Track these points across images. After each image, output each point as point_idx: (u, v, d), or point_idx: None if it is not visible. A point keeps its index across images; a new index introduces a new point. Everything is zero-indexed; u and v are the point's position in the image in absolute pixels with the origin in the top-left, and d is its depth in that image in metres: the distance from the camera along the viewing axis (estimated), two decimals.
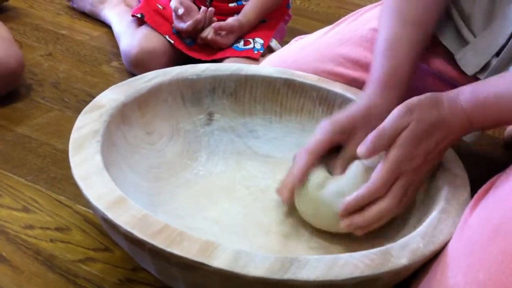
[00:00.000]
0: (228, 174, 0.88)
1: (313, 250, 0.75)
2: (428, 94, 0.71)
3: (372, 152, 0.69)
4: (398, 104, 0.73)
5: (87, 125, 0.73)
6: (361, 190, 0.69)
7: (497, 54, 0.78)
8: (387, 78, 0.79)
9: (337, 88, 0.91)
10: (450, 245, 0.62)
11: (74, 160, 0.68)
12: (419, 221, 0.70)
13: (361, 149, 0.70)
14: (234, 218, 0.80)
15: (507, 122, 0.73)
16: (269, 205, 0.83)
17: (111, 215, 0.60)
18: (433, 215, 0.68)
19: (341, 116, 0.77)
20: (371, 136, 0.69)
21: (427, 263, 0.63)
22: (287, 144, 0.93)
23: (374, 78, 0.80)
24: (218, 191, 0.84)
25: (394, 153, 0.68)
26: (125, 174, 0.77)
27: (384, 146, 0.69)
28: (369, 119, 0.76)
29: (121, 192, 0.64)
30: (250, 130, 0.93)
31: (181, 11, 1.30)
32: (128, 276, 0.78)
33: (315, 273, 0.57)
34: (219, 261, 0.57)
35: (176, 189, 0.83)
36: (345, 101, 0.90)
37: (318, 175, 0.75)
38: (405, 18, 0.81)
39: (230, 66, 0.93)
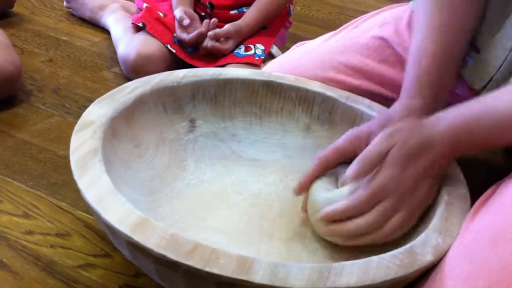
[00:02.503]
0: (218, 180, 0.87)
1: (319, 252, 0.75)
2: (411, 118, 0.71)
3: (357, 175, 0.69)
4: (422, 112, 0.74)
5: (84, 144, 0.72)
6: (341, 203, 0.69)
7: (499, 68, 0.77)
8: (405, 87, 0.78)
9: (316, 87, 0.92)
10: (450, 253, 0.62)
11: (82, 183, 0.66)
12: (426, 216, 0.71)
13: (347, 172, 0.70)
14: (237, 226, 0.79)
15: (496, 142, 0.68)
16: (266, 209, 0.83)
17: (139, 238, 0.59)
18: (441, 208, 0.69)
19: (360, 126, 0.77)
20: (355, 160, 0.70)
21: (426, 271, 0.63)
22: (270, 145, 0.93)
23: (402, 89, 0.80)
24: (213, 199, 0.84)
25: (381, 174, 0.68)
26: (122, 191, 0.75)
27: (368, 168, 0.69)
28: (386, 126, 0.75)
29: (140, 212, 0.62)
30: (231, 134, 0.93)
31: (186, 22, 1.31)
32: (128, 282, 0.78)
33: (353, 278, 0.58)
34: (259, 276, 0.56)
35: (173, 201, 0.82)
36: (325, 99, 0.90)
37: (322, 182, 0.76)
38: (432, 24, 0.79)
39: (208, 71, 0.92)
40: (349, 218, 0.69)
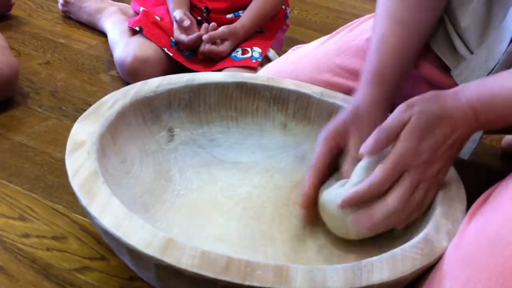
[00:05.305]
0: (206, 188, 0.87)
1: (324, 249, 0.76)
2: (430, 91, 0.70)
3: (375, 149, 0.68)
4: (385, 100, 0.76)
5: (83, 167, 0.70)
6: (362, 184, 0.68)
7: (492, 70, 0.78)
8: (370, 75, 0.79)
9: (289, 85, 0.92)
10: (447, 256, 0.62)
11: (94, 209, 0.64)
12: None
13: (363, 148, 0.69)
14: (237, 232, 0.79)
15: None
16: (260, 211, 0.83)
17: (171, 260, 0.58)
18: (441, 196, 0.70)
19: (333, 121, 0.77)
20: (373, 133, 0.69)
21: (423, 274, 0.63)
22: (249, 147, 0.93)
23: (361, 78, 0.81)
24: (206, 208, 0.83)
25: (397, 147, 0.67)
26: None
27: (386, 141, 0.68)
28: (359, 117, 0.76)
29: (163, 233, 0.61)
30: (210, 139, 0.93)
31: (187, 22, 1.31)
32: (124, 285, 0.78)
33: (385, 273, 0.59)
34: (299, 282, 0.57)
35: (167, 214, 0.81)
36: (299, 97, 0.91)
37: (327, 186, 0.76)
38: (393, 18, 0.81)
39: (182, 77, 0.91)
40: (368, 201, 0.68)
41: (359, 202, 0.68)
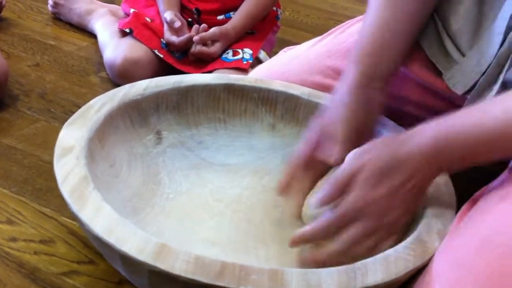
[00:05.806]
0: (196, 191, 0.86)
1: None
2: (383, 137, 0.70)
3: (327, 199, 0.68)
4: (368, 79, 0.76)
5: (72, 173, 0.68)
6: (308, 227, 0.68)
7: (484, 72, 0.77)
8: (348, 61, 0.79)
9: (277, 86, 0.92)
10: (436, 258, 0.62)
11: (85, 215, 0.63)
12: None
13: (314, 202, 0.69)
14: (228, 235, 0.79)
15: (482, 159, 0.64)
16: (250, 214, 0.83)
17: (164, 266, 0.57)
18: (431, 195, 0.70)
19: (320, 114, 0.78)
20: (324, 186, 0.68)
21: (413, 276, 0.62)
22: (238, 149, 0.93)
23: None
24: (196, 211, 0.83)
25: (349, 196, 0.65)
26: None
27: (337, 194, 0.67)
28: (334, 107, 0.76)
29: (156, 238, 0.60)
30: (198, 141, 0.92)
31: (177, 24, 1.30)
32: None
33: (379, 275, 0.59)
34: (294, 286, 0.57)
35: (158, 218, 0.80)
36: (287, 98, 0.91)
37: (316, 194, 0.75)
38: (380, 16, 0.80)
39: (170, 79, 0.90)
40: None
41: (307, 242, 0.69)
